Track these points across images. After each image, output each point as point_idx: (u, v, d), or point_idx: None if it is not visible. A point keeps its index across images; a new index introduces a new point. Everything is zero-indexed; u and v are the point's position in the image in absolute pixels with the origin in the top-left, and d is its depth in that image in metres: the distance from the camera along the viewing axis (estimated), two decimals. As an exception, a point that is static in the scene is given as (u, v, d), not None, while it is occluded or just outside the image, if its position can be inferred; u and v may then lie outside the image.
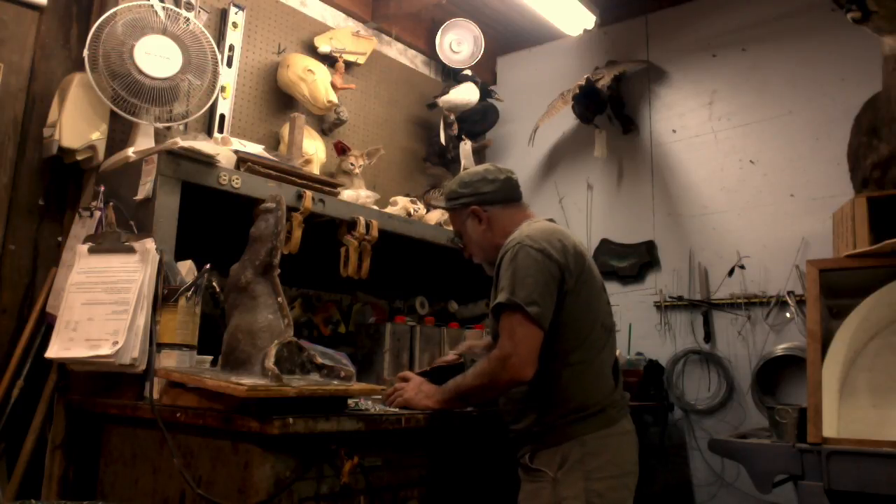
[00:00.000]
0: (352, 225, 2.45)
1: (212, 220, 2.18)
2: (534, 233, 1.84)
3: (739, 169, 3.28)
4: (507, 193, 2.00)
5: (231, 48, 2.77)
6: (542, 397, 1.83)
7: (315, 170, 2.76)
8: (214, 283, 1.97)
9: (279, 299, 1.70)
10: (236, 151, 2.24)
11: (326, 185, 2.45)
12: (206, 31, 2.35)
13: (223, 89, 2.69)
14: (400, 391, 1.93)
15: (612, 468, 1.80)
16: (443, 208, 2.09)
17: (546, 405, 1.82)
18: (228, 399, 1.53)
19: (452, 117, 3.57)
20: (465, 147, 3.61)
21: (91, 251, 1.92)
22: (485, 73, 3.99)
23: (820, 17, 3.09)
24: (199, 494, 1.53)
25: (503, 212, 1.98)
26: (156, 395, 1.75)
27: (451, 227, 2.34)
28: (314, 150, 2.87)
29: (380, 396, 1.97)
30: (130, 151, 2.15)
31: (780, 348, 3.02)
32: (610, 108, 3.58)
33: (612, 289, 3.54)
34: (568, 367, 1.82)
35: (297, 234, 2.24)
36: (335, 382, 1.63)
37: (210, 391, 1.61)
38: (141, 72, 2.16)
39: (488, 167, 2.06)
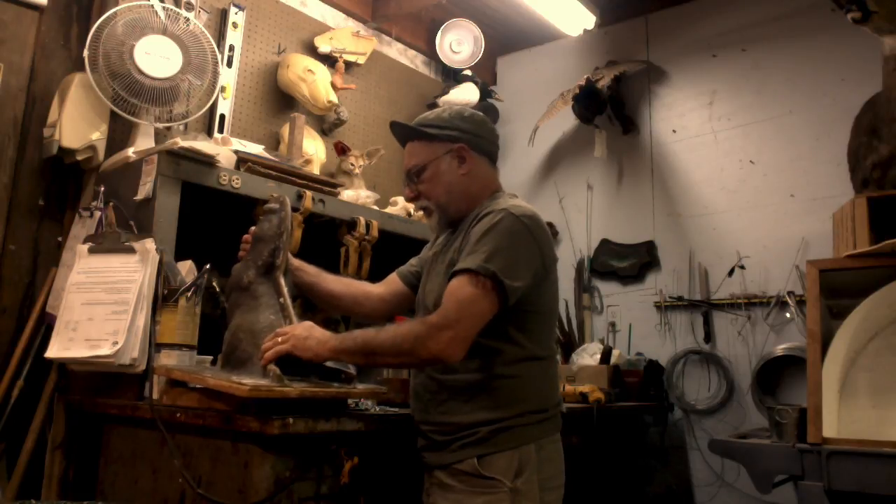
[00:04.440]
0: (352, 225, 2.45)
1: (212, 220, 2.18)
2: (521, 207, 1.65)
3: (739, 169, 3.28)
4: (495, 152, 1.82)
5: (231, 48, 2.77)
6: (500, 392, 1.59)
7: (315, 170, 2.76)
8: (214, 283, 1.97)
9: (282, 300, 1.70)
10: (236, 151, 2.24)
11: (326, 185, 2.45)
12: (206, 32, 2.35)
13: (223, 89, 2.69)
14: (284, 336, 1.58)
15: (560, 477, 1.69)
16: (419, 132, 1.73)
17: (502, 401, 1.59)
18: (229, 398, 1.53)
19: (452, 117, 3.56)
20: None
21: (91, 251, 1.92)
22: (485, 74, 3.99)
23: (820, 17, 3.09)
24: (199, 494, 1.53)
25: (487, 167, 1.78)
26: (156, 396, 1.76)
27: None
28: (314, 150, 2.87)
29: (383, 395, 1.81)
30: (130, 151, 2.15)
31: (780, 348, 3.02)
32: (610, 109, 3.58)
33: (612, 289, 3.55)
34: (536, 361, 1.64)
35: (297, 234, 2.24)
36: (336, 384, 1.63)
37: (211, 391, 1.61)
38: (141, 72, 2.16)
39: (486, 117, 1.84)
